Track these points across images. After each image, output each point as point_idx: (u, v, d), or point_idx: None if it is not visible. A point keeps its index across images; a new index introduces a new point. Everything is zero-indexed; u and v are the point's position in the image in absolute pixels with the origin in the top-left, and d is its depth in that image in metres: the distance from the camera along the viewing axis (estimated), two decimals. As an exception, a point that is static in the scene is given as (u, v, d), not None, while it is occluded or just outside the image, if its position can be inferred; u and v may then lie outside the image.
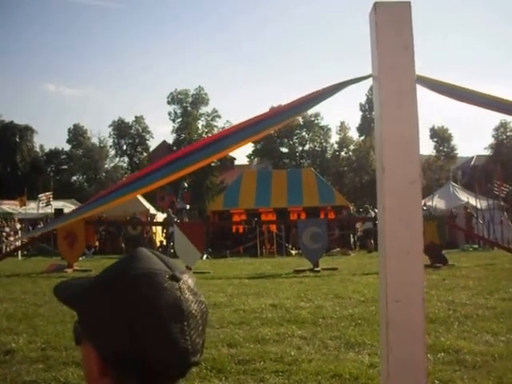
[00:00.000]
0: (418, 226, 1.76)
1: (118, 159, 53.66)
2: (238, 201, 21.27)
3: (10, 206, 25.48)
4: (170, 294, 0.79)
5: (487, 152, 47.53)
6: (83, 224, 12.19)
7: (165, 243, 19.03)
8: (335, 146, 50.51)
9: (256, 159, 50.77)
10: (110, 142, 52.85)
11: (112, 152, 53.37)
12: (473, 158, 49.31)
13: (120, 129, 51.65)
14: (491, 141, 47.88)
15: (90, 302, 0.82)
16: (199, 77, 78.61)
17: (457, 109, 74.96)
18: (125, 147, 52.66)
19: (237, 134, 2.12)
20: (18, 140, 48.44)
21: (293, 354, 4.65)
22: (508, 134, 47.86)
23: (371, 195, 27.98)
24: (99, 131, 54.08)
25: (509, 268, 11.01)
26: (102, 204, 2.40)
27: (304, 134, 49.82)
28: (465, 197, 22.61)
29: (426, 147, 49.68)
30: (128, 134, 52.18)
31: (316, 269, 11.61)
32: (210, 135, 38.62)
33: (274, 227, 19.02)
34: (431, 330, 5.10)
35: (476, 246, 18.40)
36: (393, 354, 1.71)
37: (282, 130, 41.86)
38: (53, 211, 19.90)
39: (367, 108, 48.21)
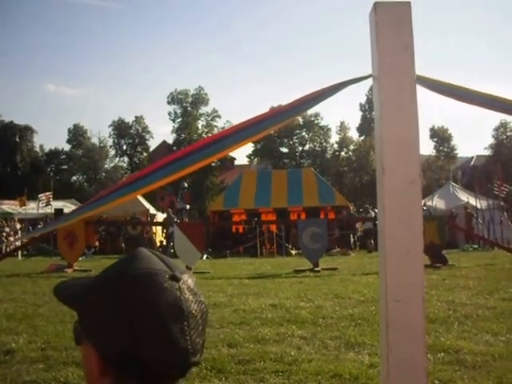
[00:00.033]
0: (418, 226, 1.76)
1: (117, 159, 53.76)
2: (238, 201, 21.27)
3: (9, 206, 25.48)
4: (170, 294, 0.79)
5: (487, 152, 47.60)
6: (83, 224, 12.19)
7: (165, 243, 19.03)
8: (335, 146, 50.55)
9: (256, 159, 50.78)
10: (110, 141, 52.99)
11: (112, 152, 53.48)
12: (473, 158, 49.32)
13: (120, 129, 51.65)
14: (491, 141, 47.99)
15: (89, 302, 0.82)
16: (199, 77, 78.76)
17: (457, 109, 75.04)
18: (125, 147, 52.67)
19: (237, 134, 2.12)
20: (17, 140, 48.46)
21: (293, 354, 4.65)
22: (508, 134, 47.87)
23: (371, 195, 27.98)
24: (99, 131, 54.20)
25: (509, 268, 11.01)
26: (102, 204, 2.40)
27: (304, 133, 49.82)
28: (465, 197, 22.61)
29: (426, 147, 49.79)
30: (128, 133, 52.19)
31: (316, 269, 11.61)
32: (209, 135, 38.63)
33: (273, 227, 19.02)
34: (431, 330, 5.10)
35: (476, 246, 18.40)
36: (393, 354, 1.71)
37: (281, 130, 41.87)
38: (53, 211, 19.90)
39: (367, 108, 48.21)
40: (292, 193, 21.00)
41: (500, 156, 41.06)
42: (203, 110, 50.16)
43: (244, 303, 7.21)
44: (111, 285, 0.81)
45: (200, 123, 50.24)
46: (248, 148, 47.80)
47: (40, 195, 22.66)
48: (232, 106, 75.36)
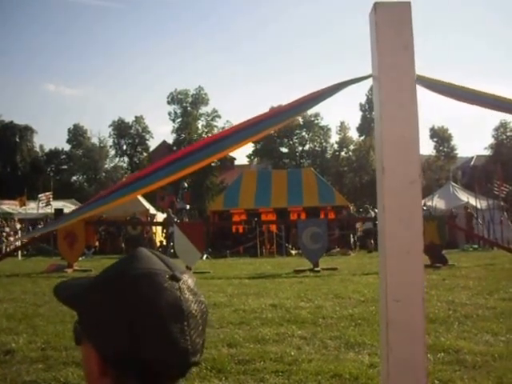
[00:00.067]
0: (418, 226, 1.76)
1: (117, 159, 53.75)
2: (238, 201, 21.27)
3: (9, 206, 25.48)
4: (170, 294, 0.79)
5: (487, 152, 47.60)
6: (83, 224, 12.19)
7: (165, 243, 19.03)
8: (335, 146, 50.53)
9: (256, 159, 50.77)
10: (109, 141, 52.97)
11: (112, 152, 53.46)
12: (473, 158, 49.31)
13: (120, 129, 51.65)
14: (491, 141, 47.97)
15: (89, 302, 0.82)
16: (199, 77, 78.81)
17: (457, 109, 75.04)
18: (125, 147, 52.66)
19: (237, 134, 2.12)
20: (17, 140, 48.46)
21: (293, 354, 4.65)
22: (508, 133, 47.86)
23: (371, 195, 27.98)
24: (99, 131, 54.19)
25: (509, 268, 11.01)
26: (102, 204, 2.40)
27: (304, 133, 49.81)
28: (465, 197, 22.61)
29: (426, 147, 49.78)
30: (128, 133, 52.18)
31: (316, 269, 11.61)
32: (209, 135, 38.64)
33: (273, 227, 19.02)
34: (431, 329, 5.10)
35: (476, 246, 18.40)
36: (393, 354, 1.71)
37: (281, 129, 41.85)
38: (53, 211, 19.90)
39: (367, 108, 48.20)
40: (292, 193, 21.00)
41: (500, 156, 41.06)
42: (203, 109, 50.23)
43: (244, 303, 7.21)
44: (111, 285, 0.81)
45: (200, 123, 50.27)
46: (248, 148, 47.88)
47: (40, 195, 22.66)
48: (232, 106, 75.48)
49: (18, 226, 21.04)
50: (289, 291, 8.40)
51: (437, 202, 22.41)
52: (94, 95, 72.07)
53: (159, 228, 20.83)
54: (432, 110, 59.89)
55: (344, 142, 49.52)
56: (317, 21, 70.69)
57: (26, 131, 49.24)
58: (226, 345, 4.94)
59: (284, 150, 49.96)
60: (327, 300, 7.44)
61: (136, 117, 52.42)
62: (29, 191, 25.12)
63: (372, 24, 1.81)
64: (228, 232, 21.03)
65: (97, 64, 73.69)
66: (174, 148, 45.26)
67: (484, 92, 2.14)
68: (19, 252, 17.39)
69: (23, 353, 4.71)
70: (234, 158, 50.91)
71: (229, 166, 48.22)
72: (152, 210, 23.01)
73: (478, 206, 20.15)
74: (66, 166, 51.90)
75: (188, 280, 0.83)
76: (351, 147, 49.36)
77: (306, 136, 49.87)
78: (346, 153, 49.74)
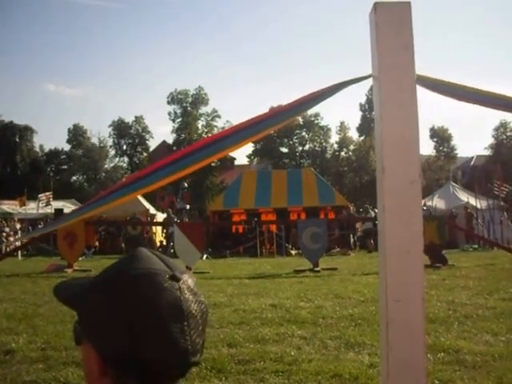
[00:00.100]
0: (418, 226, 1.76)
1: (117, 159, 53.74)
2: (237, 201, 21.28)
3: (9, 206, 25.47)
4: (170, 294, 0.79)
5: (487, 152, 47.60)
6: (83, 224, 12.19)
7: (165, 243, 19.03)
8: (335, 146, 50.55)
9: (256, 159, 50.78)
10: (109, 142, 52.97)
11: (112, 152, 53.46)
12: (473, 158, 49.31)
13: (120, 129, 51.64)
14: (491, 141, 47.98)
15: (89, 302, 0.82)
16: (199, 77, 78.78)
17: (457, 109, 75.14)
18: (125, 147, 52.66)
19: (237, 134, 2.12)
20: (17, 140, 48.47)
21: (293, 354, 4.65)
22: (508, 133, 47.86)
23: (371, 195, 27.99)
24: (99, 131, 54.22)
25: (509, 268, 11.01)
26: (102, 204, 2.40)
27: (304, 133, 49.82)
28: (465, 197, 22.61)
29: (426, 147, 49.79)
30: (128, 134, 52.18)
31: (316, 269, 11.61)
32: (209, 135, 38.63)
33: (273, 227, 19.02)
34: (431, 330, 5.10)
35: (476, 246, 18.40)
36: (393, 354, 1.71)
37: (281, 129, 41.86)
38: (53, 211, 19.90)
39: (367, 108, 48.21)
40: (292, 193, 21.00)
41: (500, 156, 41.06)
42: (203, 109, 50.23)
43: (244, 303, 7.21)
44: (111, 285, 0.81)
45: (200, 123, 50.28)
46: (248, 148, 47.89)
47: (40, 195, 22.66)
48: (232, 106, 75.49)
49: (18, 225, 21.04)
50: (289, 291, 8.40)
51: (437, 202, 22.41)
52: (94, 95, 72.16)
53: (159, 228, 20.83)
54: (432, 109, 59.93)
55: (344, 142, 49.53)
56: (317, 21, 70.76)
57: (26, 131, 49.25)
58: (226, 345, 4.94)
59: (284, 150, 49.97)
60: (327, 300, 7.44)
61: (136, 117, 52.47)
62: (29, 191, 25.12)
63: (372, 24, 1.81)
64: (228, 232, 21.03)
65: (97, 64, 73.77)
66: (174, 148, 45.27)
67: (485, 90, 2.13)
68: (19, 252, 17.39)
69: (23, 353, 4.71)
70: (234, 158, 50.93)
71: (229, 166, 48.23)
72: (152, 210, 23.01)
73: (478, 206, 20.15)
74: (65, 166, 51.90)
75: (188, 280, 0.83)
76: (351, 147, 49.37)
77: (306, 136, 49.88)
78: (346, 153, 49.74)
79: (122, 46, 72.68)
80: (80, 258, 13.74)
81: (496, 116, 54.94)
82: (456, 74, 60.59)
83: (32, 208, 23.24)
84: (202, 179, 42.20)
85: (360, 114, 49.98)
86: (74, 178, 52.65)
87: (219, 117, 49.93)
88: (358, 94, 52.71)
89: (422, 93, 1.91)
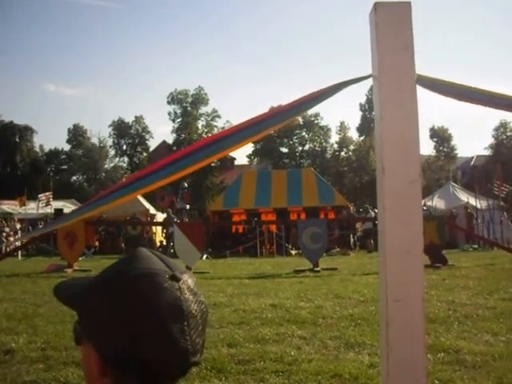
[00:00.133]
0: (418, 226, 1.76)
1: (117, 159, 53.73)
2: (237, 201, 21.28)
3: (9, 206, 25.47)
4: (170, 294, 0.79)
5: (487, 152, 47.60)
6: (83, 224, 12.19)
7: (165, 243, 19.03)
8: (335, 146, 50.54)
9: (256, 159, 50.78)
10: (109, 142, 52.95)
11: (112, 152, 53.45)
12: (473, 158, 49.31)
13: (120, 129, 51.64)
14: (491, 141, 47.97)
15: (89, 302, 0.82)
16: (199, 77, 78.75)
17: (457, 109, 75.16)
18: (125, 147, 52.65)
19: (237, 134, 2.12)
20: (17, 140, 48.46)
21: (293, 354, 4.65)
22: (508, 134, 47.86)
23: (371, 195, 27.97)
24: (99, 131, 54.22)
25: (509, 268, 11.01)
26: (102, 204, 2.40)
27: (304, 133, 49.82)
28: (465, 197, 22.61)
29: (426, 147, 49.78)
30: (128, 134, 52.17)
31: (316, 269, 11.61)
32: (209, 135, 38.63)
33: (273, 227, 19.02)
34: (431, 330, 5.10)
35: (476, 246, 18.40)
36: (393, 354, 1.71)
37: (281, 129, 41.85)
38: (53, 211, 19.90)
39: (367, 108, 48.21)
40: (292, 193, 21.00)
41: (500, 156, 41.05)
42: (203, 109, 50.23)
43: (244, 303, 7.21)
44: (111, 285, 0.81)
45: (200, 123, 50.27)
46: (248, 148, 47.87)
47: (40, 195, 22.65)
48: (232, 106, 75.47)
49: (18, 226, 21.04)
50: (289, 291, 8.40)
51: (437, 202, 22.41)
52: (94, 95, 72.15)
53: (159, 228, 20.83)
54: (432, 109, 59.91)
55: (344, 142, 49.52)
56: (317, 21, 70.75)
57: (26, 131, 49.24)
58: (225, 345, 4.94)
59: (284, 149, 49.96)
60: (327, 300, 7.43)
61: (136, 117, 52.46)
62: (29, 191, 25.11)
63: (372, 24, 1.81)
64: (228, 232, 21.03)
65: (97, 64, 73.74)
66: (174, 148, 45.26)
67: (485, 90, 2.13)
68: (19, 252, 17.39)
69: (23, 353, 4.71)
70: (234, 158, 50.92)
71: (229, 166, 48.22)
72: (152, 210, 23.01)
73: (478, 206, 20.16)
74: (65, 166, 51.89)
75: (188, 280, 0.83)
76: (351, 147, 49.37)
77: (306, 136, 49.87)
78: (345, 153, 49.74)
79: (122, 46, 72.77)
80: (80, 258, 13.74)
81: (496, 116, 54.93)
82: (456, 74, 60.62)
83: (32, 208, 23.23)
84: (202, 179, 42.20)
85: (360, 114, 50.04)
86: (74, 177, 52.66)
87: (219, 117, 50.00)
88: (357, 94, 52.77)
89: (422, 93, 1.91)
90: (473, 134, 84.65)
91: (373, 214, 18.77)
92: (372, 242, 17.98)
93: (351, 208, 22.15)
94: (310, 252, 12.14)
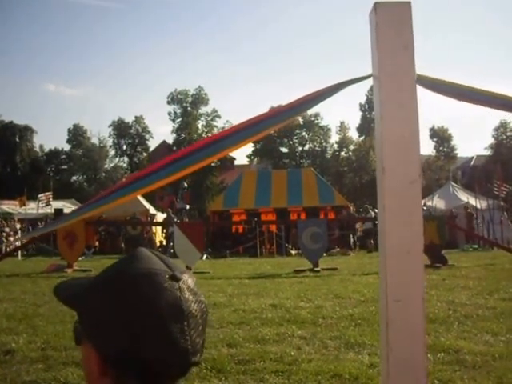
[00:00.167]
0: (418, 226, 1.76)
1: (117, 159, 53.78)
2: (237, 201, 21.28)
3: (9, 206, 25.48)
4: (170, 294, 0.79)
5: (487, 152, 47.62)
6: (83, 224, 12.18)
7: (165, 243, 19.03)
8: (335, 146, 50.56)
9: (256, 159, 50.79)
10: (109, 142, 53.00)
11: (112, 152, 53.50)
12: (473, 158, 49.33)
13: (120, 129, 51.65)
14: (491, 141, 48.00)
15: (90, 301, 0.82)
16: (199, 77, 78.85)
17: (457, 109, 75.21)
18: (125, 147, 52.67)
19: (237, 134, 2.12)
20: (17, 140, 48.48)
21: (293, 354, 4.64)
22: (508, 133, 47.88)
23: (371, 195, 27.99)
24: (99, 131, 54.29)
25: (509, 268, 11.01)
26: (102, 204, 2.39)
27: (304, 133, 49.83)
28: (465, 197, 22.61)
29: (426, 147, 49.81)
30: (128, 133, 52.19)
31: (316, 269, 11.61)
32: (209, 135, 38.62)
33: (273, 227, 19.02)
34: (431, 330, 5.10)
35: (476, 246, 18.40)
36: (393, 354, 1.71)
37: (281, 129, 41.87)
38: (52, 211, 19.89)
39: (367, 108, 48.23)
40: (292, 193, 21.00)
41: (500, 156, 41.07)
42: (203, 110, 50.26)
43: (244, 303, 7.21)
44: (111, 285, 0.81)
45: (200, 123, 50.28)
46: (248, 148, 47.90)
47: (40, 195, 22.64)
48: (232, 106, 75.53)
49: (18, 226, 21.04)
50: (289, 291, 8.40)
51: (437, 202, 22.41)
52: (94, 95, 72.20)
53: (159, 228, 20.83)
54: (432, 109, 59.95)
55: (344, 142, 49.54)
56: (317, 21, 70.80)
57: (26, 131, 49.25)
58: (225, 345, 4.94)
59: (284, 150, 49.98)
60: (327, 300, 7.43)
61: (136, 117, 52.50)
62: (29, 191, 25.11)
63: (372, 24, 1.81)
64: (228, 232, 21.03)
65: (97, 64, 73.82)
66: (174, 148, 45.27)
67: (485, 90, 2.13)
68: (19, 252, 17.39)
69: (23, 353, 4.71)
70: (234, 158, 50.93)
71: (229, 166, 48.23)
72: (152, 210, 23.02)
73: (478, 206, 20.16)
74: (65, 166, 51.91)
75: (188, 280, 0.83)
76: (351, 147, 49.38)
77: (306, 136, 49.88)
78: (345, 153, 49.76)
79: (122, 46, 72.83)
80: (80, 258, 13.74)
81: (496, 116, 55.00)
82: (456, 74, 60.67)
83: (32, 208, 23.23)
84: (202, 179, 42.20)
85: (360, 114, 50.08)
86: (74, 177, 52.69)
87: (219, 117, 50.03)
88: (357, 94, 52.79)
89: (422, 93, 1.91)
90: (473, 134, 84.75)
91: (373, 214, 18.77)
92: (372, 241, 17.98)
93: (351, 208, 22.15)
94: (310, 252, 12.13)
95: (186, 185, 23.26)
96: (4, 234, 19.43)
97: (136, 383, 0.78)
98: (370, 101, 45.19)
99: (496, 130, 47.73)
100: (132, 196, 2.44)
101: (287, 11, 76.40)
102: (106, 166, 53.77)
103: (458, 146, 59.91)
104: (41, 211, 22.17)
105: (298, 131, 49.18)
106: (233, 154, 40.68)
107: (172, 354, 0.78)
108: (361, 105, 49.57)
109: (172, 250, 14.28)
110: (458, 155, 50.80)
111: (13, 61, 68.70)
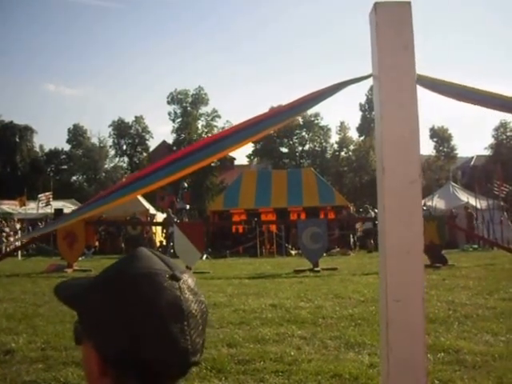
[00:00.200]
0: (418, 226, 1.76)
1: (117, 159, 53.73)
2: (237, 201, 21.28)
3: (9, 206, 25.47)
4: (170, 294, 0.79)
5: (487, 152, 47.60)
6: (83, 224, 12.18)
7: (165, 243, 19.03)
8: (335, 146, 50.54)
9: (256, 159, 50.77)
10: (109, 142, 52.94)
11: (112, 152, 53.44)
12: (473, 158, 49.32)
13: (120, 129, 51.63)
14: (491, 141, 47.98)
15: (90, 301, 0.82)
16: (199, 77, 78.76)
17: (457, 109, 75.18)
18: (125, 147, 52.64)
19: (237, 134, 2.12)
20: (17, 140, 48.45)
21: (293, 354, 4.64)
22: (508, 134, 47.86)
23: (371, 195, 27.98)
24: (99, 131, 54.21)
25: (509, 268, 11.01)
26: (102, 204, 2.40)
27: (304, 134, 49.81)
28: (465, 197, 22.61)
29: (426, 147, 49.78)
30: (128, 133, 52.16)
31: (316, 269, 11.61)
32: (209, 135, 38.62)
33: (273, 227, 19.02)
34: (431, 330, 5.10)
35: (476, 246, 18.40)
36: (393, 354, 1.71)
37: (281, 129, 41.85)
38: (52, 211, 19.90)
39: (367, 108, 48.21)
40: (292, 193, 21.00)
41: (500, 156, 41.06)
42: (203, 109, 50.22)
43: (244, 303, 7.21)
44: (111, 285, 0.81)
45: (200, 123, 50.26)
46: (248, 148, 47.89)
47: (40, 195, 22.65)
48: (232, 106, 75.47)
49: (18, 225, 21.03)
50: (289, 291, 8.40)
51: (437, 202, 22.41)
52: (94, 95, 72.15)
53: (159, 228, 20.83)
54: (432, 109, 59.93)
55: (344, 142, 49.52)
56: (317, 21, 70.75)
57: (26, 131, 49.24)
58: (225, 345, 4.94)
59: (284, 150, 49.96)
60: (327, 300, 7.43)
61: (136, 117, 52.45)
62: (29, 191, 25.12)
63: (372, 24, 1.81)
64: (228, 232, 21.03)
65: (97, 64, 73.73)
66: (174, 148, 45.26)
67: (484, 90, 2.13)
68: (19, 252, 17.39)
69: (23, 353, 4.71)
70: (234, 158, 50.91)
71: (229, 166, 48.21)
72: (152, 210, 23.01)
73: (478, 206, 20.16)
74: (65, 166, 51.88)
75: (188, 280, 0.83)
76: (351, 147, 49.36)
77: (306, 136, 49.87)
78: (345, 153, 49.74)
79: (122, 46, 72.76)
80: (80, 258, 13.74)
81: (496, 116, 55.04)
82: (456, 74, 60.68)
83: (32, 208, 23.23)
84: (202, 179, 42.20)
85: (360, 114, 50.04)
86: (74, 177, 52.65)
87: (219, 117, 50.00)
88: (357, 94, 52.72)
89: (422, 93, 1.91)
90: (473, 134, 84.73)
91: (373, 214, 18.77)
92: (372, 241, 17.98)
93: (351, 208, 22.15)
94: (310, 252, 12.13)
95: (186, 185, 23.25)
96: (4, 233, 19.43)
97: (136, 383, 0.78)
98: (369, 101, 45.17)
99: (496, 130, 47.74)
100: (132, 196, 2.44)
101: (287, 11, 76.47)
102: (106, 166, 53.77)
103: (458, 145, 59.95)
104: (41, 211, 22.17)
105: (298, 131, 49.16)
106: (233, 153, 40.69)
107: (172, 354, 0.78)
108: (361, 105, 49.61)
109: (172, 250, 14.28)
110: (458, 155, 50.81)
111: (13, 61, 68.75)
